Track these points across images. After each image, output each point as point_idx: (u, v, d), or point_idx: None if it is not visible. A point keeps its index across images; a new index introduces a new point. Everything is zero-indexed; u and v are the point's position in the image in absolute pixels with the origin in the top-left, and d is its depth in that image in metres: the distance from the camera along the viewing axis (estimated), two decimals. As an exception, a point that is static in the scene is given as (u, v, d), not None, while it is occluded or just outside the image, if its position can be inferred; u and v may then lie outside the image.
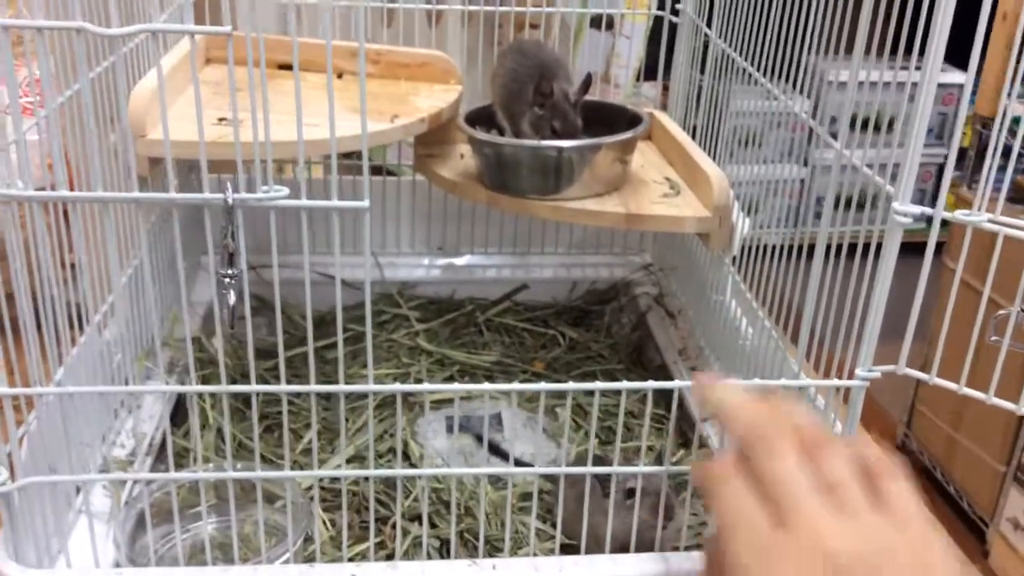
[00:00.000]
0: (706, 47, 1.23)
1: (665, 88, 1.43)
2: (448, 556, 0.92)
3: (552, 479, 1.00)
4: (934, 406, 1.90)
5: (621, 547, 0.83)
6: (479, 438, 1.13)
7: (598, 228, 1.46)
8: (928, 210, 0.68)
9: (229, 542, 0.87)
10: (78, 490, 0.86)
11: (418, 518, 0.97)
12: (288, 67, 1.15)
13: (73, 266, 0.87)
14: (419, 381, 1.24)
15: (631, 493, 0.85)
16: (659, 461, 1.07)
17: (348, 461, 1.05)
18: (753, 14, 1.04)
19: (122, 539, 0.84)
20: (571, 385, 0.77)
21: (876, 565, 0.54)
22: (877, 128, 0.78)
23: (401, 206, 1.44)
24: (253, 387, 0.73)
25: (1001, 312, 0.71)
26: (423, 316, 1.38)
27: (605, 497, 0.85)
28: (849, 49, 0.85)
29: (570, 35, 1.65)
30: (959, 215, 0.67)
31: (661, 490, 0.83)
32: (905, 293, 0.75)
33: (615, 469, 0.81)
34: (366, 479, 0.99)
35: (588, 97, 1.11)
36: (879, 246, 0.73)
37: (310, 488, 0.99)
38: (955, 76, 2.21)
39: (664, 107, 1.41)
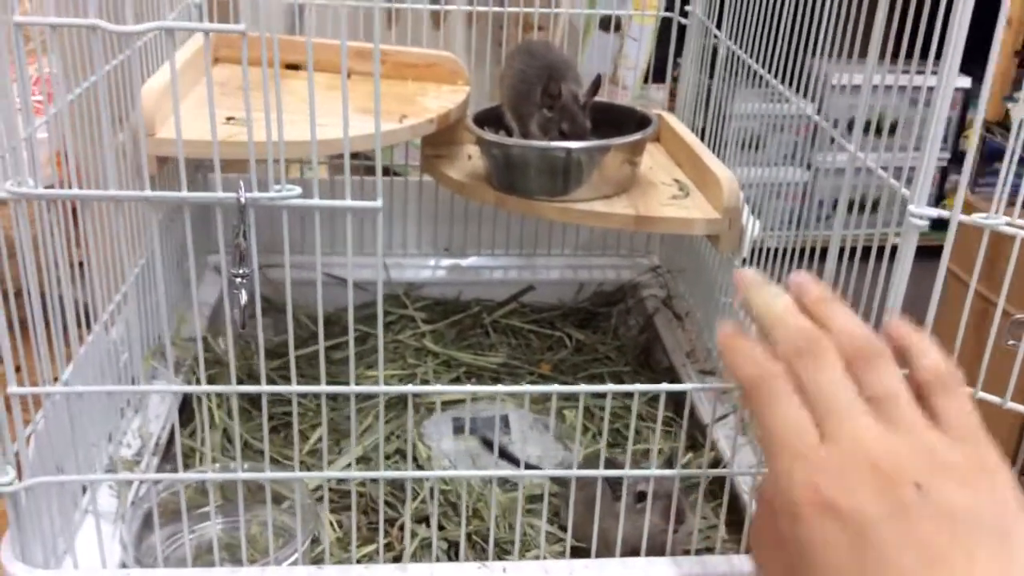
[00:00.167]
0: (714, 49, 1.23)
1: (672, 94, 1.42)
2: (457, 558, 0.91)
3: (561, 482, 1.00)
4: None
5: (632, 551, 0.83)
6: (485, 441, 1.12)
7: (605, 230, 1.46)
8: (945, 213, 0.68)
9: (236, 543, 0.86)
10: (84, 490, 0.86)
11: (425, 520, 0.96)
12: (296, 67, 1.16)
13: (81, 264, 0.87)
14: (425, 382, 1.24)
15: (642, 496, 0.84)
16: (668, 464, 1.07)
17: (356, 463, 1.05)
18: (764, 17, 1.04)
19: (129, 539, 0.84)
20: (583, 387, 0.76)
21: (927, 476, 0.50)
22: (879, 131, 0.78)
23: (408, 207, 1.43)
24: (263, 387, 0.72)
25: (1019, 316, 0.71)
26: (429, 317, 1.38)
27: (616, 500, 0.84)
28: (861, 53, 0.85)
29: (578, 36, 1.65)
30: (977, 218, 0.67)
31: (673, 494, 0.82)
32: (908, 294, 0.74)
33: (626, 472, 0.80)
34: (373, 480, 0.99)
35: (597, 98, 1.11)
36: (884, 248, 0.73)
37: (316, 489, 0.99)
38: (959, 80, 2.21)
39: (672, 109, 1.41)
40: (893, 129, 0.77)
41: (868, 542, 0.50)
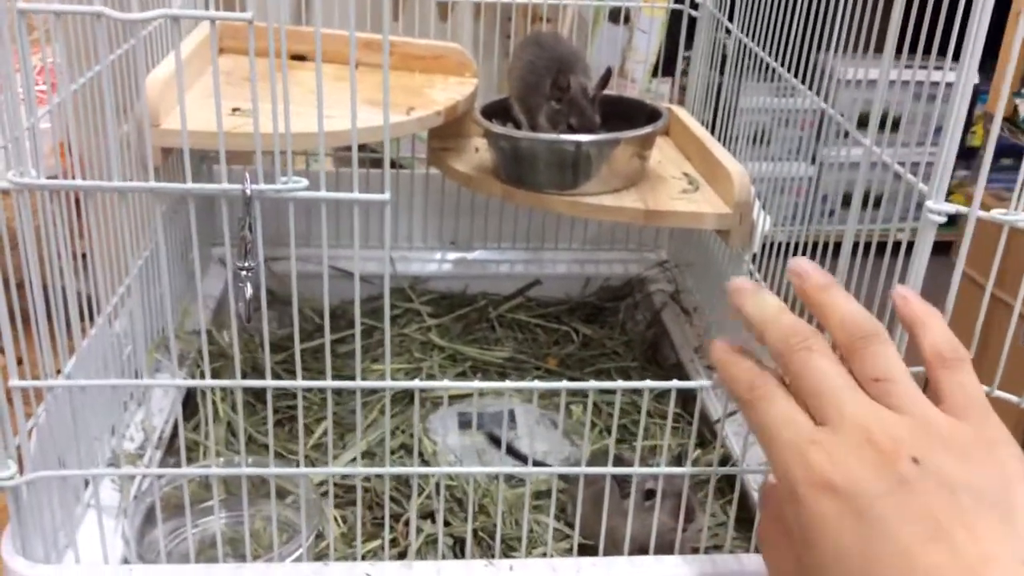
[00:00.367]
0: (724, 43, 1.22)
1: (682, 88, 1.41)
2: (462, 555, 0.90)
3: (567, 478, 0.99)
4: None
5: (640, 549, 0.82)
6: (492, 437, 1.11)
7: (613, 224, 1.45)
8: (963, 209, 0.66)
9: (239, 537, 0.85)
10: (86, 484, 0.85)
11: (431, 515, 0.95)
12: (301, 57, 1.15)
13: (84, 256, 0.86)
14: (431, 376, 1.23)
15: (651, 495, 0.83)
16: (677, 461, 1.06)
17: (360, 458, 1.04)
18: (777, 9, 1.03)
19: (131, 534, 0.83)
20: (592, 383, 0.75)
21: (924, 450, 0.50)
22: (895, 127, 0.77)
23: (414, 200, 1.42)
24: (268, 382, 0.71)
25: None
26: (435, 311, 1.37)
27: (624, 498, 0.83)
28: (871, 48, 0.84)
29: (587, 28, 1.63)
30: (996, 214, 0.66)
31: (682, 492, 0.81)
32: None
33: (635, 470, 0.79)
34: (378, 476, 0.98)
35: (607, 91, 1.10)
36: (898, 244, 0.72)
37: (321, 484, 0.98)
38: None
39: (678, 103, 1.39)
40: (896, 124, 0.76)
41: (869, 517, 0.49)
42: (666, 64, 1.67)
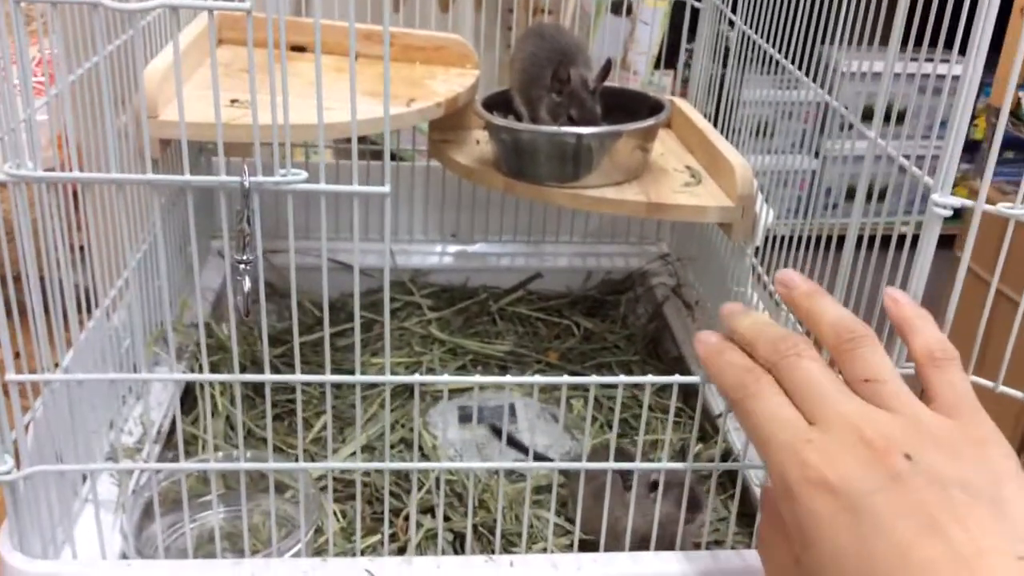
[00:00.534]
0: (727, 35, 1.21)
1: (684, 80, 1.40)
2: (462, 550, 0.90)
3: (569, 473, 0.98)
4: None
5: (642, 542, 0.81)
6: (492, 428, 1.11)
7: (614, 216, 1.44)
8: (969, 202, 0.66)
9: (237, 532, 0.85)
10: (84, 478, 0.84)
11: (431, 510, 0.95)
12: (301, 48, 1.14)
13: (82, 248, 0.85)
14: (432, 370, 1.22)
15: (654, 486, 0.83)
16: (680, 455, 1.06)
17: (360, 452, 1.03)
18: (780, 1, 1.02)
19: (129, 529, 0.82)
20: (594, 378, 0.75)
21: (916, 447, 0.51)
22: (898, 119, 0.76)
23: (414, 192, 1.42)
24: (267, 376, 0.70)
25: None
26: (436, 304, 1.36)
27: (626, 490, 0.83)
28: (874, 40, 0.83)
29: (589, 20, 1.63)
30: (1002, 207, 0.65)
31: (685, 482, 0.81)
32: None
33: (637, 465, 0.79)
34: (378, 470, 0.97)
35: (608, 83, 1.09)
36: (902, 237, 0.71)
37: (320, 479, 0.98)
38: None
39: (680, 95, 1.39)
40: (901, 117, 0.75)
41: (863, 513, 0.50)
42: (668, 56, 1.66)
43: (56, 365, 0.74)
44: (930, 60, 0.72)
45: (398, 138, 1.45)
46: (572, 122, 1.06)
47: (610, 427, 1.07)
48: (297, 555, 0.80)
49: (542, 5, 1.34)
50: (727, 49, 1.21)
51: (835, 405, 0.55)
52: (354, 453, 1.01)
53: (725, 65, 1.21)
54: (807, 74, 0.97)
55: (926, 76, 0.74)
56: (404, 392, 1.15)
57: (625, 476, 0.84)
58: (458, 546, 0.92)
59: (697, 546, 0.85)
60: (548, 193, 1.09)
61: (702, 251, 1.35)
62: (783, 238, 1.01)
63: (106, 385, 0.89)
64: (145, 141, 0.69)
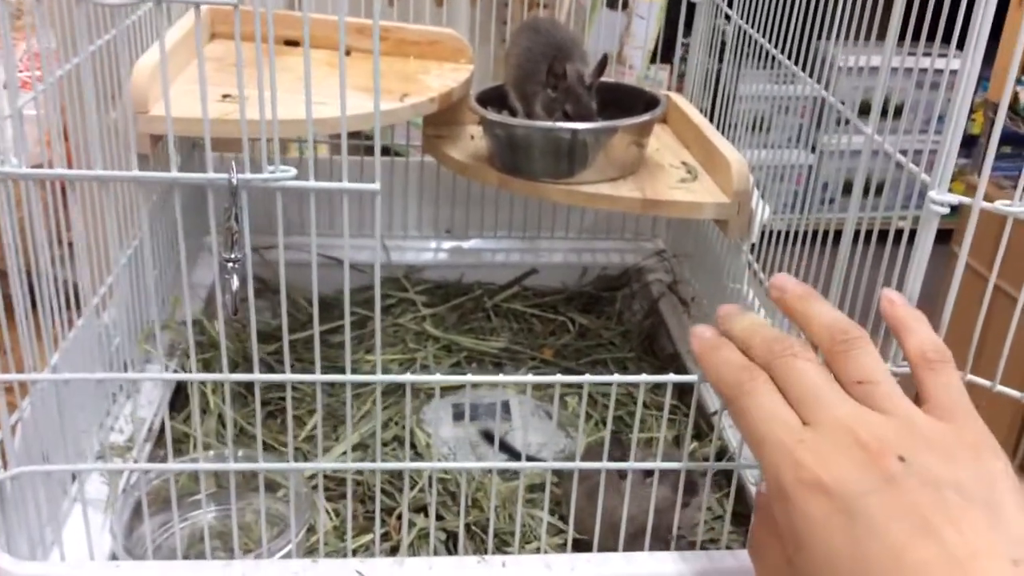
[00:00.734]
0: (723, 29, 1.20)
1: (680, 75, 1.39)
2: (455, 549, 0.89)
3: (563, 472, 0.97)
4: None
5: (638, 530, 0.80)
6: (484, 434, 1.10)
7: (610, 212, 1.43)
8: (966, 200, 0.65)
9: (230, 531, 0.84)
10: (74, 477, 0.83)
11: (424, 509, 0.94)
12: (294, 43, 1.14)
13: (72, 245, 0.84)
14: (425, 367, 1.21)
15: (650, 472, 0.82)
16: (675, 443, 1.05)
17: (352, 450, 1.02)
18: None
19: (119, 529, 0.81)
20: (587, 377, 0.74)
21: (910, 449, 0.51)
22: (895, 114, 0.76)
23: (409, 188, 1.41)
24: (256, 376, 0.70)
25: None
26: (430, 300, 1.35)
27: (622, 479, 0.82)
28: (871, 35, 0.83)
29: (585, 14, 1.62)
30: (999, 205, 0.64)
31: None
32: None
33: (631, 465, 0.78)
34: (371, 469, 0.97)
35: (604, 78, 1.08)
36: (899, 232, 0.71)
37: (312, 477, 0.97)
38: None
39: (676, 90, 1.38)
40: (899, 111, 0.75)
41: (857, 515, 0.50)
42: (664, 50, 1.65)
43: (44, 363, 0.73)
44: (928, 54, 0.71)
45: (391, 133, 1.44)
46: (567, 117, 1.06)
47: (605, 424, 1.06)
48: (288, 555, 0.79)
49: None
50: (723, 44, 1.21)
51: (829, 406, 0.54)
52: (345, 453, 1.01)
53: (721, 60, 1.20)
54: (803, 69, 0.96)
55: (924, 70, 0.73)
56: (397, 389, 1.14)
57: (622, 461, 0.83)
58: (451, 545, 0.91)
59: (692, 545, 0.84)
60: (543, 189, 1.08)
61: (698, 247, 1.34)
62: (779, 233, 1.00)
63: (95, 383, 0.88)
64: (131, 137, 0.68)
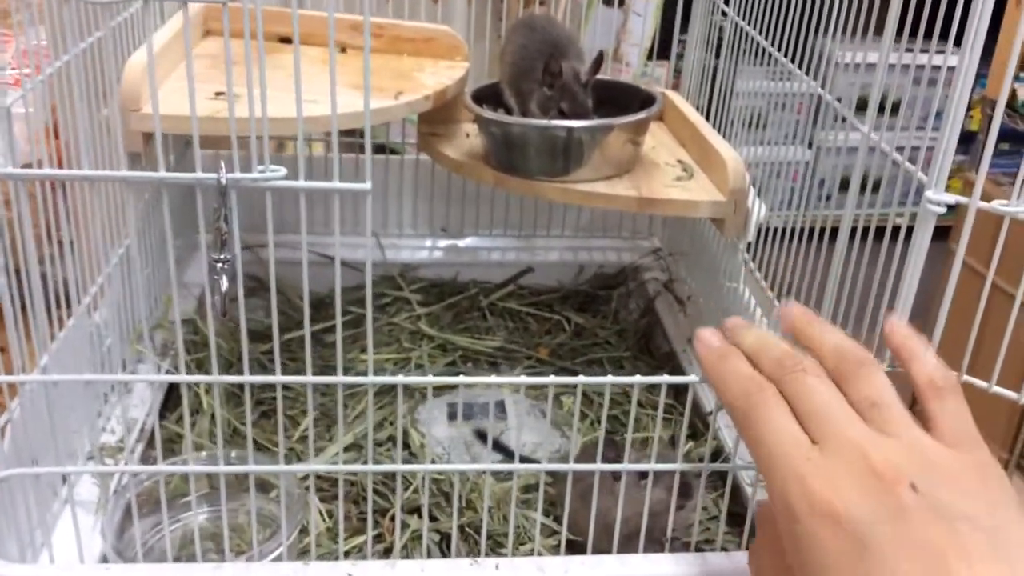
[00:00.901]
0: (720, 26, 1.20)
1: (677, 71, 1.39)
2: (448, 551, 0.88)
3: (558, 472, 0.97)
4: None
5: (632, 532, 0.79)
6: (478, 434, 1.09)
7: (606, 211, 1.43)
8: (963, 199, 0.64)
9: (221, 533, 0.83)
10: (64, 479, 0.83)
11: (417, 510, 0.93)
12: (289, 40, 1.13)
13: (63, 244, 0.83)
14: (420, 366, 1.21)
15: (644, 474, 0.81)
16: (671, 443, 1.04)
17: (346, 450, 1.02)
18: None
19: (110, 530, 0.81)
20: (581, 379, 0.73)
21: (922, 478, 0.51)
22: (892, 111, 0.75)
23: (404, 186, 1.40)
24: (246, 378, 0.69)
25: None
26: (425, 299, 1.35)
27: (616, 480, 0.81)
28: (867, 31, 0.82)
29: (581, 11, 1.61)
30: (996, 205, 0.64)
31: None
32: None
33: (625, 467, 0.77)
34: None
35: (600, 76, 1.07)
36: (896, 229, 0.70)
37: (307, 478, 0.96)
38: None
39: (674, 87, 1.37)
40: (896, 108, 0.74)
41: (867, 545, 0.49)
42: (662, 47, 1.64)
43: (34, 364, 0.72)
44: (925, 51, 0.70)
45: (387, 131, 1.43)
46: (563, 115, 1.05)
47: (601, 424, 1.05)
48: (279, 558, 0.79)
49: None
50: (720, 40, 1.20)
51: (841, 427, 0.54)
52: (336, 454, 1.00)
53: (718, 56, 1.20)
54: (800, 65, 0.96)
55: (921, 67, 0.72)
56: (392, 388, 1.13)
57: (616, 462, 0.82)
58: (444, 547, 0.90)
59: (687, 545, 0.84)
60: (538, 187, 1.07)
61: (694, 246, 1.33)
62: (776, 230, 1.00)
63: (86, 384, 0.87)
64: (118, 136, 0.67)
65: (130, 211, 0.67)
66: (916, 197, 0.68)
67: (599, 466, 0.77)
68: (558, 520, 0.92)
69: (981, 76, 2.68)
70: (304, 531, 0.88)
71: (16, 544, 0.74)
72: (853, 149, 0.78)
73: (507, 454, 1.06)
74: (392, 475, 0.97)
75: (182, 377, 0.71)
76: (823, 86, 0.91)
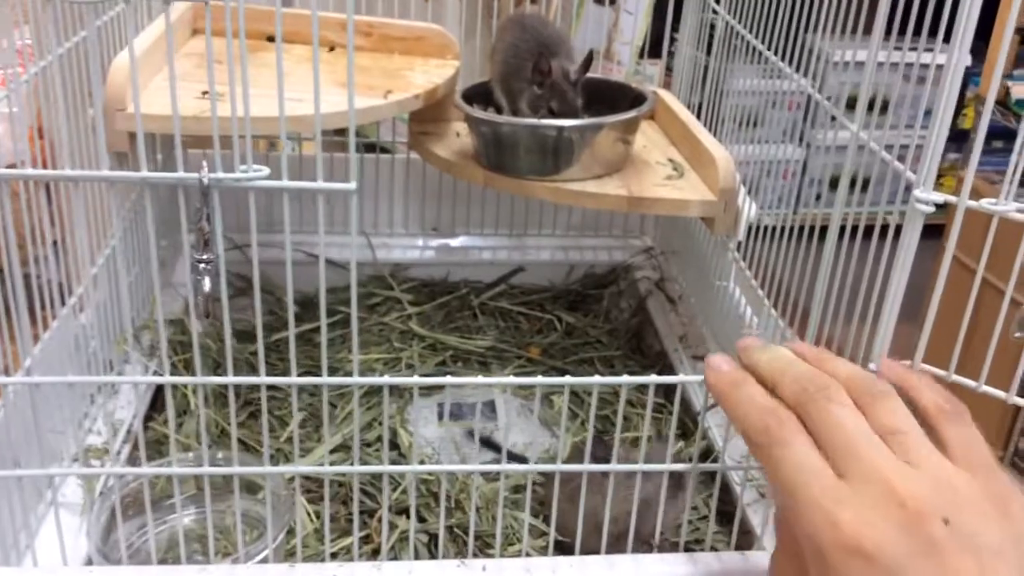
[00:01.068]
0: (711, 24, 1.19)
1: (668, 69, 1.38)
2: (436, 552, 0.88)
3: (547, 472, 0.96)
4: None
5: (621, 532, 0.79)
6: (470, 433, 1.09)
7: (597, 210, 1.42)
8: (952, 198, 0.64)
9: (207, 534, 0.83)
10: (49, 481, 0.82)
11: (406, 511, 0.93)
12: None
13: (55, 243, 0.83)
14: (411, 366, 1.20)
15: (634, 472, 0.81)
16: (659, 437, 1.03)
17: (335, 451, 1.01)
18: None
19: (95, 532, 0.80)
20: (568, 379, 0.73)
21: (952, 511, 0.50)
22: (880, 110, 0.75)
23: (394, 185, 1.39)
24: (230, 379, 0.68)
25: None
26: (416, 299, 1.34)
27: (604, 477, 0.81)
28: (857, 29, 0.82)
29: (572, 9, 1.60)
30: (985, 203, 0.63)
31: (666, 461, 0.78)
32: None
33: (614, 467, 0.77)
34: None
35: (591, 75, 1.07)
36: (886, 227, 0.70)
37: (293, 479, 0.96)
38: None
39: (667, 86, 1.37)
40: (885, 107, 0.74)
41: None
42: (654, 45, 1.64)
43: (19, 365, 0.72)
44: (914, 49, 0.70)
45: (377, 130, 1.43)
46: (553, 114, 1.05)
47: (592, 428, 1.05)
48: (265, 559, 0.78)
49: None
50: (711, 38, 1.19)
51: (865, 458, 0.52)
52: (322, 457, 0.99)
53: (709, 54, 1.19)
54: (791, 63, 0.95)
55: (910, 65, 0.72)
56: (380, 389, 1.13)
57: (602, 461, 0.82)
58: (433, 548, 0.90)
59: (675, 546, 0.83)
60: (528, 187, 1.07)
61: (685, 245, 1.33)
62: (767, 228, 0.99)
63: (70, 385, 0.87)
64: (100, 136, 0.67)
65: (114, 211, 0.66)
66: (906, 195, 0.67)
67: (587, 467, 0.76)
68: (548, 520, 0.92)
69: (975, 75, 2.68)
70: (291, 532, 0.88)
71: (0, 547, 0.73)
72: (843, 148, 0.78)
73: (497, 451, 1.06)
74: (380, 476, 0.96)
75: (166, 378, 0.70)
76: (813, 84, 0.91)
